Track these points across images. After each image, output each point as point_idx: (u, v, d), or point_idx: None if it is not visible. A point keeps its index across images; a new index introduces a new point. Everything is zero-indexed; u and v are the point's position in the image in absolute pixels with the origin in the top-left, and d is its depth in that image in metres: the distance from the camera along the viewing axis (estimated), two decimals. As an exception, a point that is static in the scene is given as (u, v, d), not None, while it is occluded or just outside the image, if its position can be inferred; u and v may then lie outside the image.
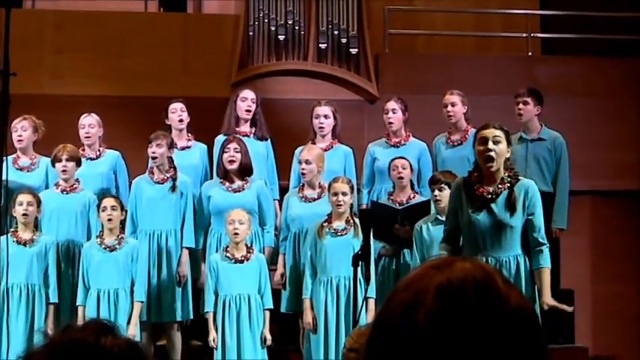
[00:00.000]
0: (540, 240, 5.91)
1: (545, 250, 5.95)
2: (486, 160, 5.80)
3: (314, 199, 7.66)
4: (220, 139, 8.16)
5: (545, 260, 5.94)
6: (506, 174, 5.90)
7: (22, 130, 7.93)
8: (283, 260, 7.73)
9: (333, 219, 7.33)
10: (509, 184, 5.86)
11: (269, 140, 8.41)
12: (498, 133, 5.82)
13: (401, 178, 7.74)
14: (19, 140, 7.94)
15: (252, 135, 8.32)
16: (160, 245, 7.76)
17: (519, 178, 5.96)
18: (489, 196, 5.85)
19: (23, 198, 7.38)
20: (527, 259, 5.94)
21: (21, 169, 7.88)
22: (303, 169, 7.73)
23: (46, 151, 7.93)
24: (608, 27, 11.06)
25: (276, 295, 7.64)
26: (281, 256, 7.77)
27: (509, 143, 5.90)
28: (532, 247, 5.91)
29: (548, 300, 5.90)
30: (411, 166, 7.82)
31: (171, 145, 7.87)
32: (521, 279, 5.89)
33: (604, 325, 10.12)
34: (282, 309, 7.70)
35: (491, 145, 5.78)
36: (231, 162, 7.78)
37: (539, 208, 5.93)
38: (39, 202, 7.47)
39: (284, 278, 7.70)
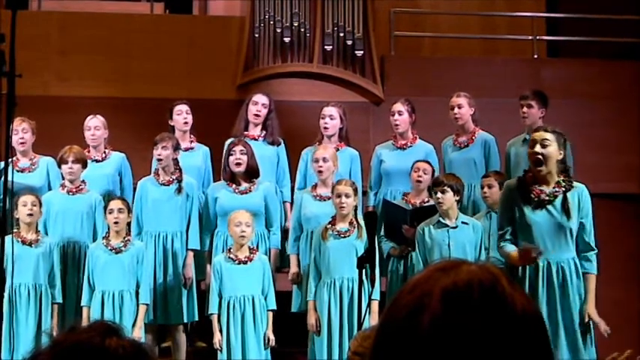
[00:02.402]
0: (590, 244, 6.05)
1: (594, 256, 6.09)
2: (535, 163, 5.92)
3: (329, 198, 7.61)
4: (229, 142, 8.16)
5: (593, 266, 6.08)
6: (562, 177, 5.99)
7: (22, 132, 7.89)
8: (296, 260, 7.71)
9: (336, 221, 7.33)
10: (564, 189, 5.95)
11: (282, 145, 8.39)
12: (548, 136, 5.93)
13: (420, 181, 7.74)
14: (22, 143, 7.91)
15: (260, 138, 8.31)
16: (165, 247, 7.76)
17: (573, 184, 6.04)
18: (547, 197, 5.93)
19: (27, 199, 7.38)
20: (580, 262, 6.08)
21: (22, 171, 7.86)
22: (320, 166, 7.71)
23: (51, 152, 7.93)
24: (614, 30, 11.05)
25: (283, 296, 7.63)
26: (293, 256, 7.75)
27: (562, 146, 5.99)
28: (581, 252, 6.04)
29: (592, 310, 6.05)
30: (433, 171, 7.81)
31: (177, 147, 7.87)
32: (580, 281, 6.03)
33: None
34: (293, 309, 7.69)
35: (539, 148, 5.89)
36: (238, 164, 7.78)
37: (590, 212, 6.06)
38: (41, 204, 7.48)
39: (299, 277, 7.68)
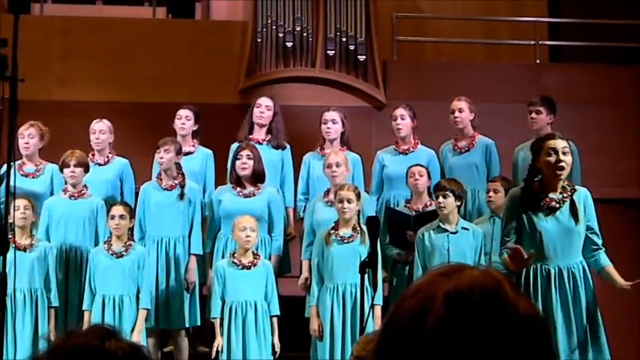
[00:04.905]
0: (599, 242, 6.14)
1: (603, 252, 6.17)
2: (559, 170, 5.99)
3: None
4: (235, 146, 8.16)
5: (607, 259, 6.18)
6: (566, 183, 6.11)
7: (29, 137, 7.92)
8: (308, 266, 7.67)
9: (339, 226, 7.32)
10: (570, 193, 6.06)
11: (287, 150, 8.39)
12: (565, 144, 6.07)
13: (417, 184, 7.73)
14: (26, 147, 7.93)
15: (265, 142, 8.31)
16: (167, 252, 7.76)
17: (576, 187, 6.17)
18: (557, 205, 6.02)
19: (20, 203, 7.33)
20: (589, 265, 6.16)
21: (26, 176, 7.87)
22: (334, 172, 7.68)
23: (54, 156, 7.93)
24: (617, 34, 11.05)
25: (284, 301, 7.62)
26: (305, 261, 7.72)
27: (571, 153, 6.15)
28: (592, 251, 6.12)
29: (626, 282, 6.18)
30: (428, 173, 7.81)
31: (179, 152, 7.87)
32: (589, 285, 6.11)
33: (612, 333, 10.08)
34: (307, 314, 7.67)
35: (562, 156, 5.98)
36: (244, 169, 7.78)
37: (594, 214, 6.16)
38: (34, 207, 7.47)
39: (308, 282, 7.66)
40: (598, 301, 6.24)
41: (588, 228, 6.09)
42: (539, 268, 6.03)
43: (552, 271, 6.02)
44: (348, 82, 10.21)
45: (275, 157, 8.29)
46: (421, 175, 7.75)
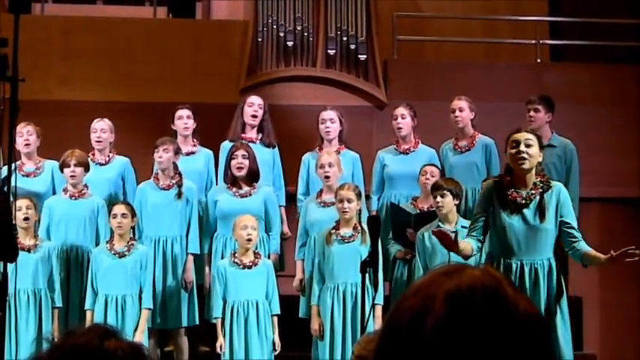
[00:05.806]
0: (578, 235, 5.98)
1: (583, 242, 5.99)
2: (519, 161, 5.91)
3: (332, 204, 7.57)
4: (226, 145, 8.16)
5: (586, 246, 5.99)
6: (538, 179, 6.01)
7: (27, 134, 7.93)
8: (302, 266, 7.70)
9: (340, 226, 7.32)
10: (541, 190, 5.96)
11: (276, 148, 8.40)
12: (530, 136, 5.97)
13: (427, 184, 7.72)
14: (27, 144, 7.93)
15: (258, 141, 8.31)
16: (165, 251, 7.76)
17: (551, 184, 6.05)
18: (522, 201, 5.96)
19: (22, 203, 7.32)
20: (557, 262, 6.04)
21: (27, 175, 7.87)
22: (326, 172, 7.68)
23: (54, 156, 7.93)
24: (618, 33, 11.05)
25: (284, 300, 7.63)
26: (299, 262, 7.74)
27: (541, 148, 6.02)
28: (570, 244, 5.98)
29: (608, 255, 5.85)
30: (440, 173, 7.81)
31: (178, 152, 7.87)
32: (553, 282, 6.01)
33: (612, 332, 10.10)
34: (301, 314, 7.68)
35: (523, 147, 5.90)
36: (240, 169, 7.77)
37: (570, 207, 6.04)
38: (36, 206, 7.46)
39: (302, 283, 7.67)
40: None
41: (564, 223, 5.97)
42: (502, 262, 6.01)
43: (514, 266, 5.97)
44: (349, 82, 10.21)
45: (268, 156, 8.30)
46: (433, 176, 7.74)
